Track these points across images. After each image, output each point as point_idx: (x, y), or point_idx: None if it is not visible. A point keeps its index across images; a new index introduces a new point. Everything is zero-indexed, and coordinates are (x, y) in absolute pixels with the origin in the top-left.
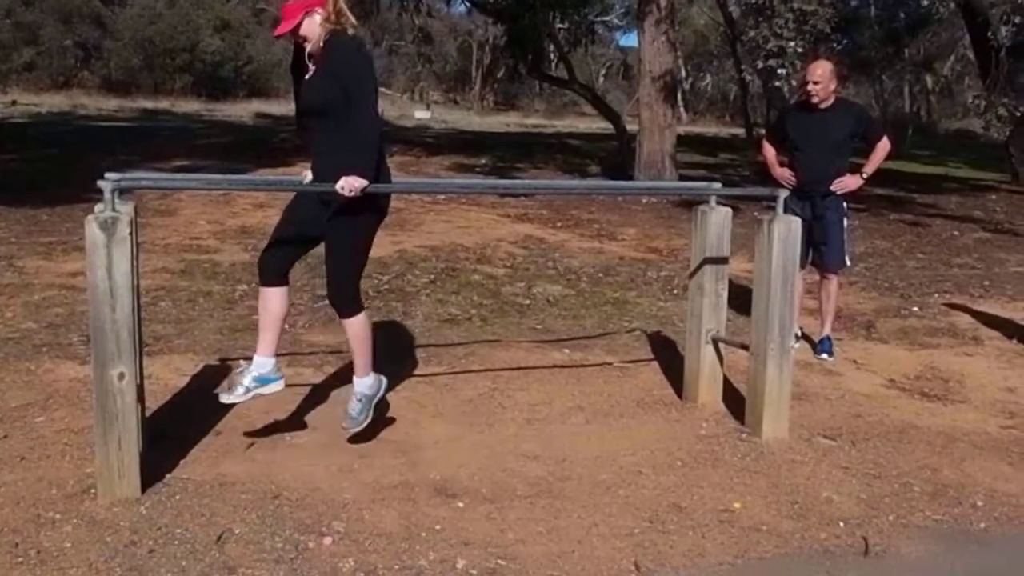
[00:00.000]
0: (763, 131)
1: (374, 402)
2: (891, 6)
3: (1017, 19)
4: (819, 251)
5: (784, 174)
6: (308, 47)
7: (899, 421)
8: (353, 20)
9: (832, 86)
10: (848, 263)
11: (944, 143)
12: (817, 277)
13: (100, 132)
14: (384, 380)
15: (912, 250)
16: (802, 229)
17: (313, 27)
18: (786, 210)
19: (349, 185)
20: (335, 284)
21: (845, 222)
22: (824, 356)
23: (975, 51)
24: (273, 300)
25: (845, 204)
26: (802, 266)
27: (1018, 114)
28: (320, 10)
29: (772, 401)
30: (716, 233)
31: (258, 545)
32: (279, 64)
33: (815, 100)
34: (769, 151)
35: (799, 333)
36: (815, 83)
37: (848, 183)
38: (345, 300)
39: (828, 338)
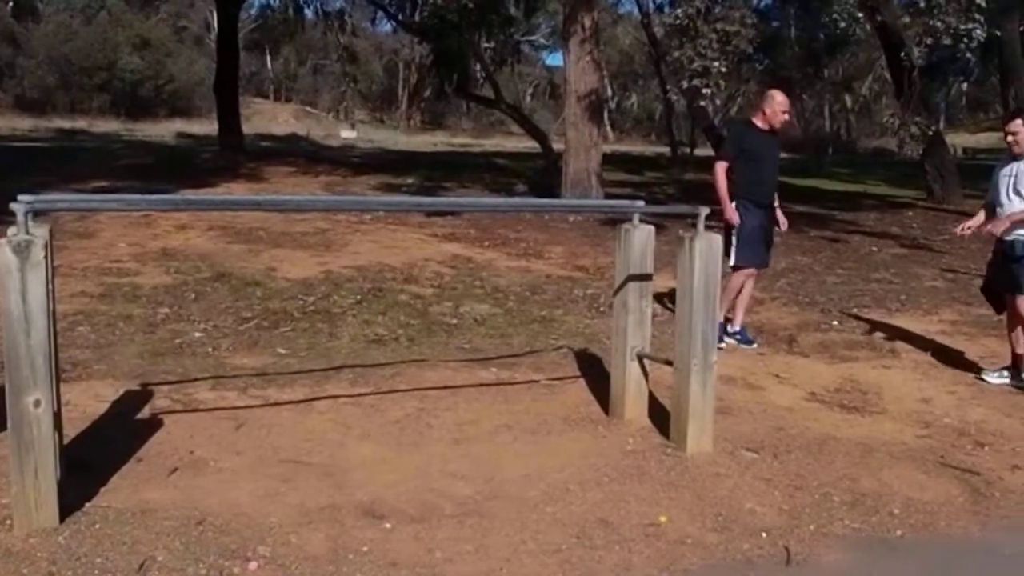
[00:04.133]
0: (687, 150)
1: None
2: (810, 27)
3: (929, 40)
4: (768, 252)
5: (734, 217)
6: None
7: (819, 433)
8: None
9: None
10: None
11: (863, 161)
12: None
13: (13, 153)
14: None
15: (832, 266)
16: (762, 233)
17: None
18: (750, 217)
19: None
20: None
21: None
22: (754, 346)
23: (891, 71)
24: None
25: None
26: (766, 265)
27: (931, 132)
28: None
29: (696, 416)
30: (639, 251)
31: (181, 572)
32: (202, 83)
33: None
34: (723, 182)
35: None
36: (785, 112)
37: None
38: None
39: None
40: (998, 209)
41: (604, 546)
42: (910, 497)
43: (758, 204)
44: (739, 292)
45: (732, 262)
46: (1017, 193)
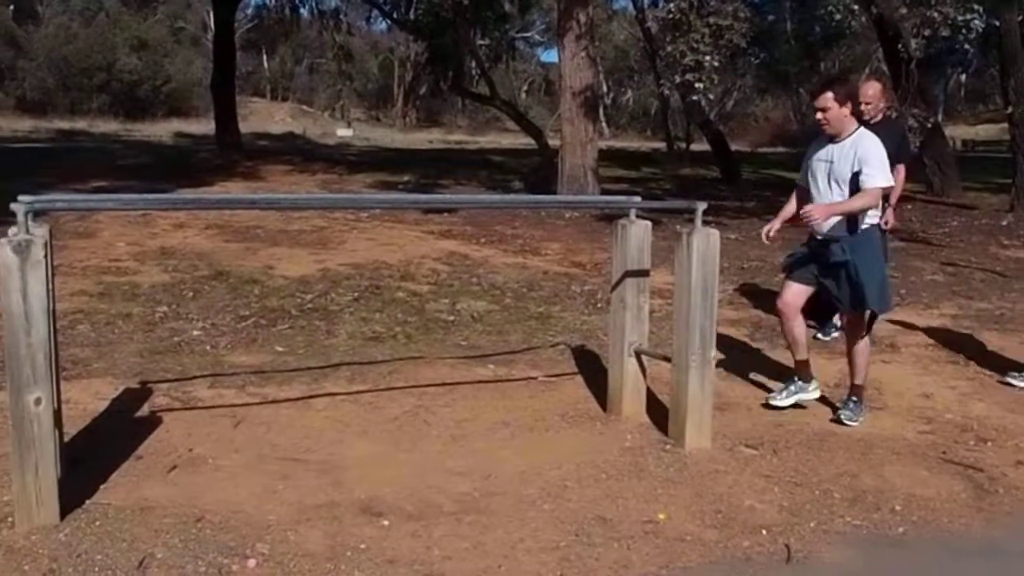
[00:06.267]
0: (683, 145)
1: None
2: (806, 20)
3: (927, 32)
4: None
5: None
6: None
7: (819, 429)
8: None
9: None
10: None
11: None
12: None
13: (14, 154)
14: None
15: None
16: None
17: None
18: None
19: None
20: None
21: None
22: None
23: (888, 64)
24: None
25: None
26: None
27: (929, 125)
28: None
29: (694, 412)
30: (636, 246)
31: (180, 570)
32: (199, 83)
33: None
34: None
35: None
36: (867, 104)
37: None
38: None
39: None
40: (816, 200)
41: (602, 543)
42: (912, 494)
43: None
44: None
45: None
46: (838, 183)
